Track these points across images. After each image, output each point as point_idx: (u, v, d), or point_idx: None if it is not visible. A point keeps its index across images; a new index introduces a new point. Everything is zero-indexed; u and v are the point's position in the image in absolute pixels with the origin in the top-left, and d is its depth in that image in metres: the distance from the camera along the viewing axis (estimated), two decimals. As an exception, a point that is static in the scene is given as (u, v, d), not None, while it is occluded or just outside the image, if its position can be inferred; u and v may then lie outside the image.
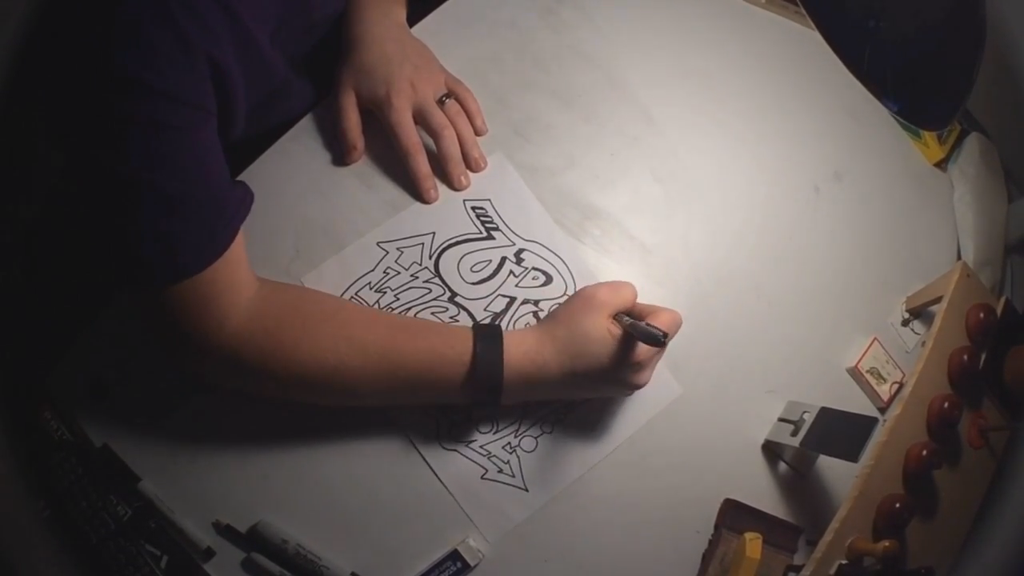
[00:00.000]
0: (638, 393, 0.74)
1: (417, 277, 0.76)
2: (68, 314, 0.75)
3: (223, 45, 0.59)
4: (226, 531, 0.68)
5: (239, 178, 0.76)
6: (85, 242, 0.62)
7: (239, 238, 0.64)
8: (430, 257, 0.77)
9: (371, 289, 0.75)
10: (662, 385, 0.76)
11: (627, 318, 0.68)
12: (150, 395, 0.71)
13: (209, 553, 0.68)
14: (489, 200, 0.79)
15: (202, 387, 0.70)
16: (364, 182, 0.79)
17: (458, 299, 0.76)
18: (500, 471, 0.72)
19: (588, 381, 0.68)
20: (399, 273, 0.76)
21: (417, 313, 0.75)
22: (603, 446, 0.74)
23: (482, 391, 0.67)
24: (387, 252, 0.76)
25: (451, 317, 0.75)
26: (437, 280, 0.76)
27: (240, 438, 0.70)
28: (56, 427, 0.69)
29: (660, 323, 0.65)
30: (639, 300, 0.71)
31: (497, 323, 0.73)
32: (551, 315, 0.71)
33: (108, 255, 0.62)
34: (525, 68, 0.85)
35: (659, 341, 0.62)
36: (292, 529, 0.69)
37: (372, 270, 0.76)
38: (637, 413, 0.75)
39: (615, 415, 0.75)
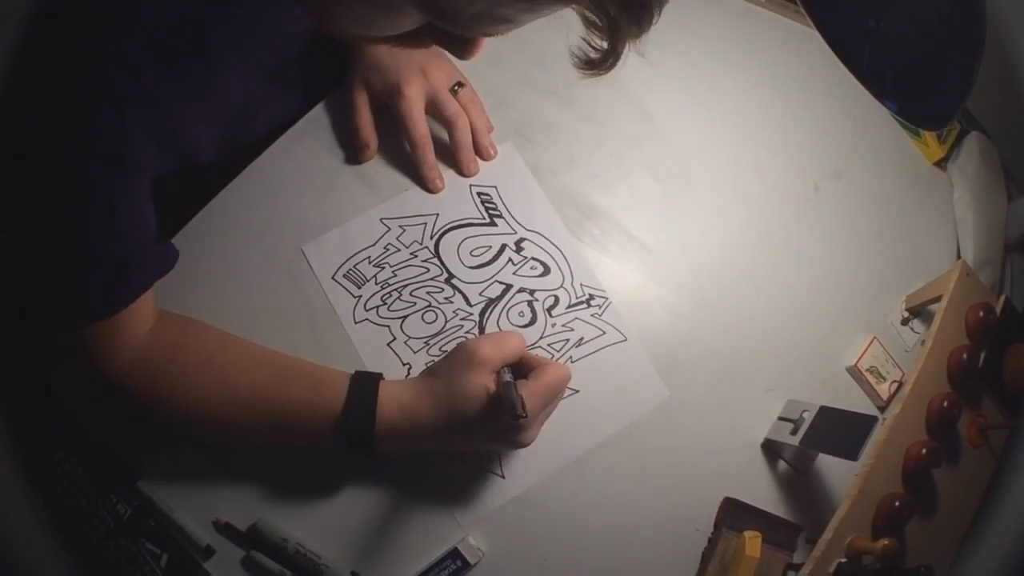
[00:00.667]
0: (624, 393, 0.74)
1: (416, 256, 0.77)
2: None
3: (163, 98, 0.57)
4: (226, 529, 0.68)
5: (239, 179, 0.77)
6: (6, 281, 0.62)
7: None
8: (431, 238, 0.77)
9: (370, 263, 0.76)
10: (649, 387, 0.76)
11: (507, 375, 0.66)
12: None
13: (209, 551, 0.68)
14: (495, 187, 0.80)
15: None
16: (365, 182, 0.79)
17: (454, 281, 0.76)
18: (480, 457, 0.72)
19: (465, 437, 0.68)
20: (399, 250, 0.77)
21: (413, 291, 0.75)
22: (584, 442, 0.74)
23: (352, 443, 0.66)
24: (389, 228, 0.77)
25: (446, 298, 0.76)
26: (435, 260, 0.77)
27: (240, 437, 0.70)
28: (56, 427, 0.69)
29: (541, 385, 0.65)
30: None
31: (378, 373, 0.69)
32: (432, 369, 0.70)
33: (27, 297, 0.62)
34: (525, 67, 0.85)
35: (516, 415, 0.60)
36: (292, 527, 0.69)
37: (373, 244, 0.77)
38: (621, 412, 0.75)
39: (599, 413, 0.74)
